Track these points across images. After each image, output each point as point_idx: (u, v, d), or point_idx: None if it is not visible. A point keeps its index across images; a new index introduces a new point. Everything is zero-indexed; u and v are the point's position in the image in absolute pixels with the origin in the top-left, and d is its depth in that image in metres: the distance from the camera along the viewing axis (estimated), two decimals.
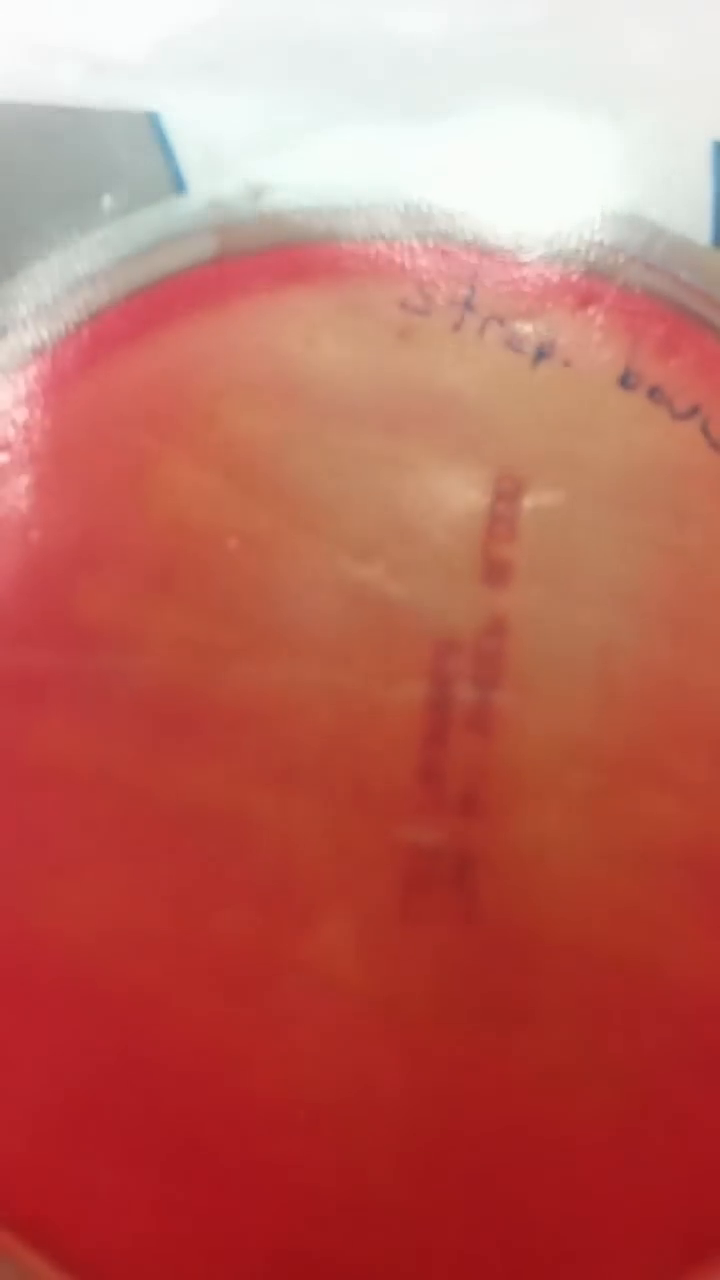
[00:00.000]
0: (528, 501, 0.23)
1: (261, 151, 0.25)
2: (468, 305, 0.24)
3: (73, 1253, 0.22)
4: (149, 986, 0.22)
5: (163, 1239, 0.22)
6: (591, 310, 0.24)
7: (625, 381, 0.24)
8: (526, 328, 0.24)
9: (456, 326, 0.24)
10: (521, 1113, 0.22)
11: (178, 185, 0.25)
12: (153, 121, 0.25)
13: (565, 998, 0.22)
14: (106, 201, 0.25)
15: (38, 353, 0.24)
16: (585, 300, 0.24)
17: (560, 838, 0.22)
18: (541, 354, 0.24)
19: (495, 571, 0.23)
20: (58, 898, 0.22)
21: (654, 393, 0.24)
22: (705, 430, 0.24)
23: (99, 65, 0.25)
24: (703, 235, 0.25)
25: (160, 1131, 0.22)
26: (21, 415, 0.24)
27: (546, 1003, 0.22)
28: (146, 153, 0.25)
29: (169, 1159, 0.22)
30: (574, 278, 0.24)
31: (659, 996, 0.22)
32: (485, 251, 0.24)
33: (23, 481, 0.24)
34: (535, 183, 0.25)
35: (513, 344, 0.24)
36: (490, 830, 0.22)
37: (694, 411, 0.24)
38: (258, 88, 0.25)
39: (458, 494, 0.23)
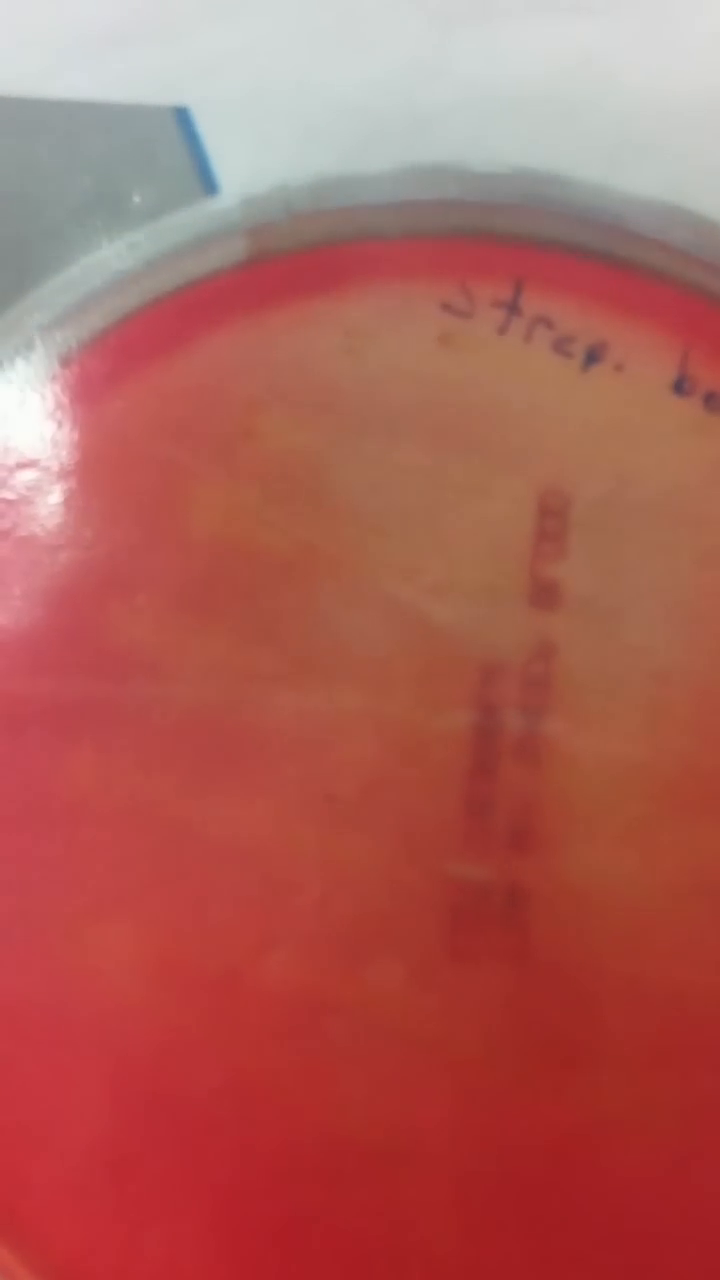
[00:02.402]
0: (576, 517, 0.23)
1: (294, 147, 0.25)
2: (513, 307, 0.23)
3: None
4: (190, 1029, 0.22)
5: None
6: (643, 311, 0.23)
7: (679, 387, 0.23)
8: (575, 330, 0.23)
9: (502, 330, 0.23)
10: (575, 1157, 0.22)
11: (208, 184, 0.25)
12: (181, 117, 0.25)
13: (620, 1037, 0.22)
14: (134, 202, 0.24)
15: (64, 363, 0.24)
16: (637, 300, 0.23)
17: (614, 870, 0.22)
18: (591, 358, 0.23)
19: (543, 592, 0.23)
20: (94, 937, 0.22)
21: (710, 399, 0.23)
22: None
23: (125, 59, 0.24)
24: None
25: (203, 1180, 0.22)
26: (48, 429, 0.23)
27: (601, 1042, 0.22)
28: (175, 150, 0.25)
29: (213, 1208, 0.22)
30: (624, 276, 0.23)
31: (715, 1032, 0.22)
32: (531, 247, 0.24)
33: (50, 499, 0.23)
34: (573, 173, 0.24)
35: (561, 348, 0.23)
36: (541, 864, 0.22)
37: None
38: (290, 81, 0.25)
39: (503, 510, 0.23)
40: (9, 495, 0.23)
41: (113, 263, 0.24)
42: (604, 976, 0.22)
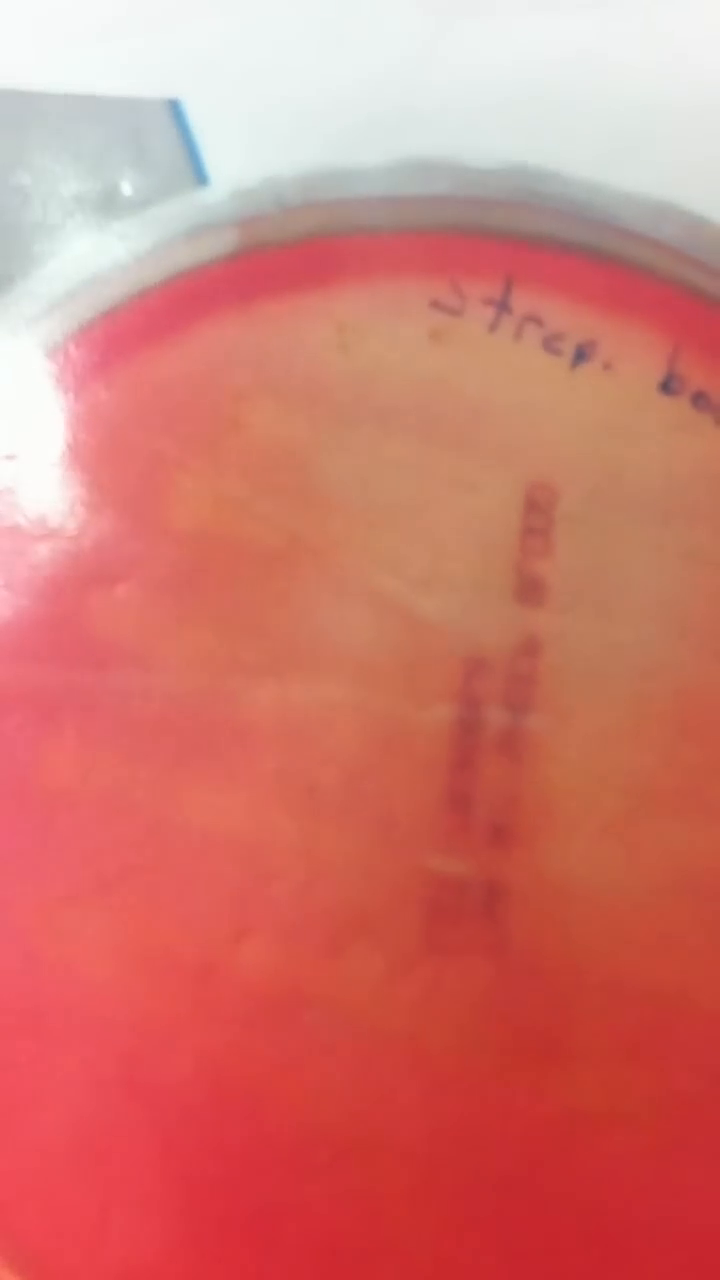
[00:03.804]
0: (563, 512, 0.23)
1: (286, 140, 0.25)
2: (503, 305, 0.23)
3: None
4: (164, 1018, 0.22)
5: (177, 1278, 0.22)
6: (634, 309, 0.23)
7: (667, 386, 0.23)
8: (565, 328, 0.23)
9: (492, 327, 0.23)
10: (549, 1152, 0.21)
11: (199, 176, 0.25)
12: (174, 109, 0.25)
13: (597, 1032, 0.22)
14: (125, 193, 0.25)
15: (51, 352, 0.24)
16: (627, 298, 0.24)
17: (593, 866, 0.22)
18: (580, 356, 0.23)
19: (529, 587, 0.23)
20: (70, 925, 0.22)
21: (698, 399, 0.23)
22: None
23: (117, 51, 0.25)
24: None
25: (173, 1169, 0.22)
26: (35, 419, 0.24)
27: (577, 1037, 0.22)
28: (167, 142, 0.25)
29: (183, 1198, 0.22)
30: (615, 273, 0.24)
31: (691, 1029, 0.22)
32: (522, 244, 0.24)
33: (35, 489, 0.23)
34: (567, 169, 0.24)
35: (550, 346, 0.23)
36: (521, 860, 0.22)
37: None
38: (283, 73, 0.25)
39: (491, 505, 0.23)
40: None
41: (103, 253, 0.24)
42: (581, 972, 0.22)
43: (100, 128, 0.25)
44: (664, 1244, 0.22)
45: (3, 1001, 0.22)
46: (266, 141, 0.25)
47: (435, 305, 0.24)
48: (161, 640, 0.23)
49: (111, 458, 0.23)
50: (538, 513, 0.23)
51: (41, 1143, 0.22)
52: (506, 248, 0.24)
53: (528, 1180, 0.22)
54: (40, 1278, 0.22)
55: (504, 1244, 0.21)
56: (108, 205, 0.25)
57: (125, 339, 0.24)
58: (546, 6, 0.24)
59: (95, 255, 0.24)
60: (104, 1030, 0.22)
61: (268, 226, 0.24)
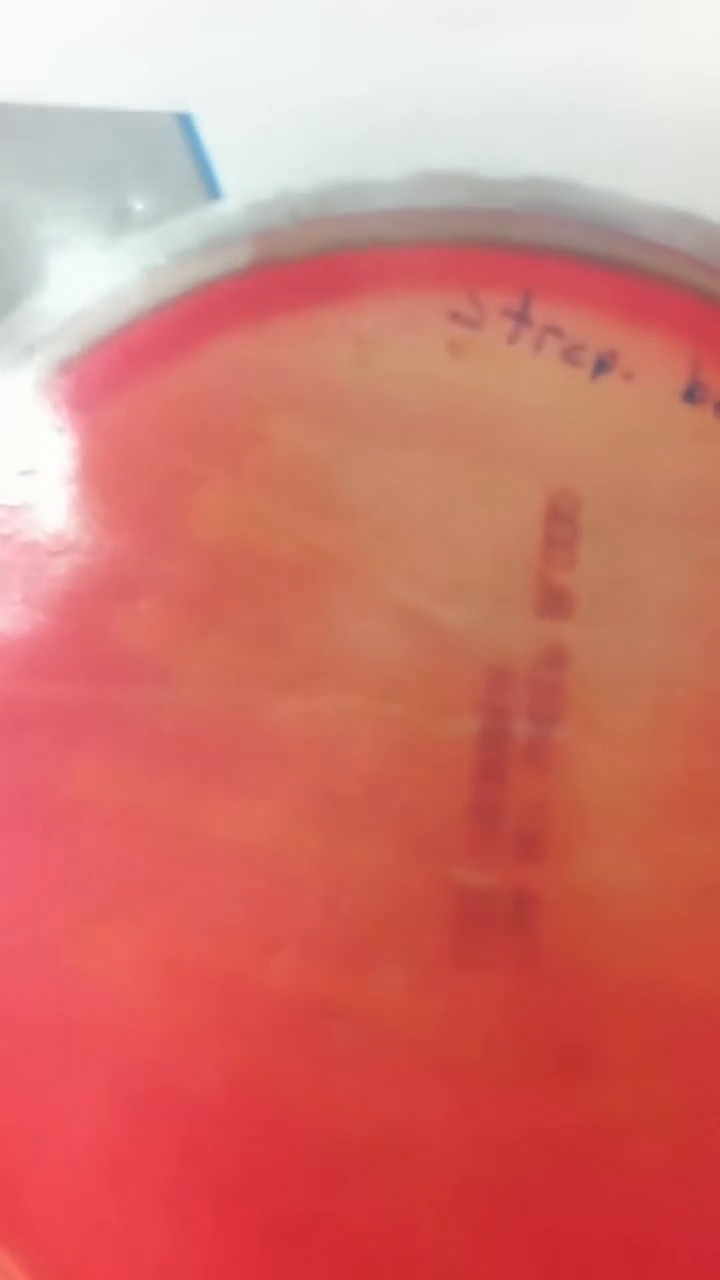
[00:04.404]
0: (586, 522, 0.23)
1: (299, 152, 0.25)
2: (522, 317, 0.24)
3: None
4: (192, 1032, 0.22)
5: None
6: (653, 318, 0.24)
7: (690, 395, 0.23)
8: (585, 339, 0.24)
9: (511, 339, 0.24)
10: (579, 1162, 0.21)
11: (211, 190, 0.25)
12: (185, 123, 0.25)
13: (626, 1041, 0.22)
14: (138, 208, 0.25)
15: (67, 368, 0.24)
16: (646, 308, 0.24)
17: (621, 876, 0.22)
18: (601, 367, 0.24)
19: (552, 598, 0.23)
20: (97, 939, 0.22)
21: None
22: None
23: (128, 66, 0.25)
24: None
25: (203, 1181, 0.21)
26: (51, 435, 0.24)
27: (606, 1047, 0.22)
28: (179, 156, 0.25)
29: (213, 1209, 0.21)
30: (634, 283, 0.24)
31: None
32: (540, 255, 0.24)
33: (55, 505, 0.23)
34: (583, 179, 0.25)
35: (570, 357, 0.24)
36: (549, 870, 0.22)
37: None
38: (294, 85, 0.25)
39: (512, 515, 0.23)
40: (14, 501, 0.23)
41: (116, 269, 0.24)
42: (610, 982, 0.22)
43: (112, 142, 0.25)
44: (696, 1254, 0.21)
45: (32, 1016, 0.22)
46: (279, 154, 0.25)
47: (454, 317, 0.24)
48: (185, 654, 0.23)
49: (130, 473, 0.24)
50: (560, 523, 0.23)
51: (72, 1155, 0.22)
52: (524, 259, 0.24)
53: (558, 1190, 0.21)
54: None
55: (534, 1255, 0.21)
56: (120, 220, 0.25)
57: (141, 355, 0.24)
58: (558, 14, 0.24)
59: (109, 271, 0.25)
60: (132, 1043, 0.22)
61: (282, 240, 0.24)
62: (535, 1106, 0.22)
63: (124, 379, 0.24)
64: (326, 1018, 0.22)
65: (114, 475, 0.24)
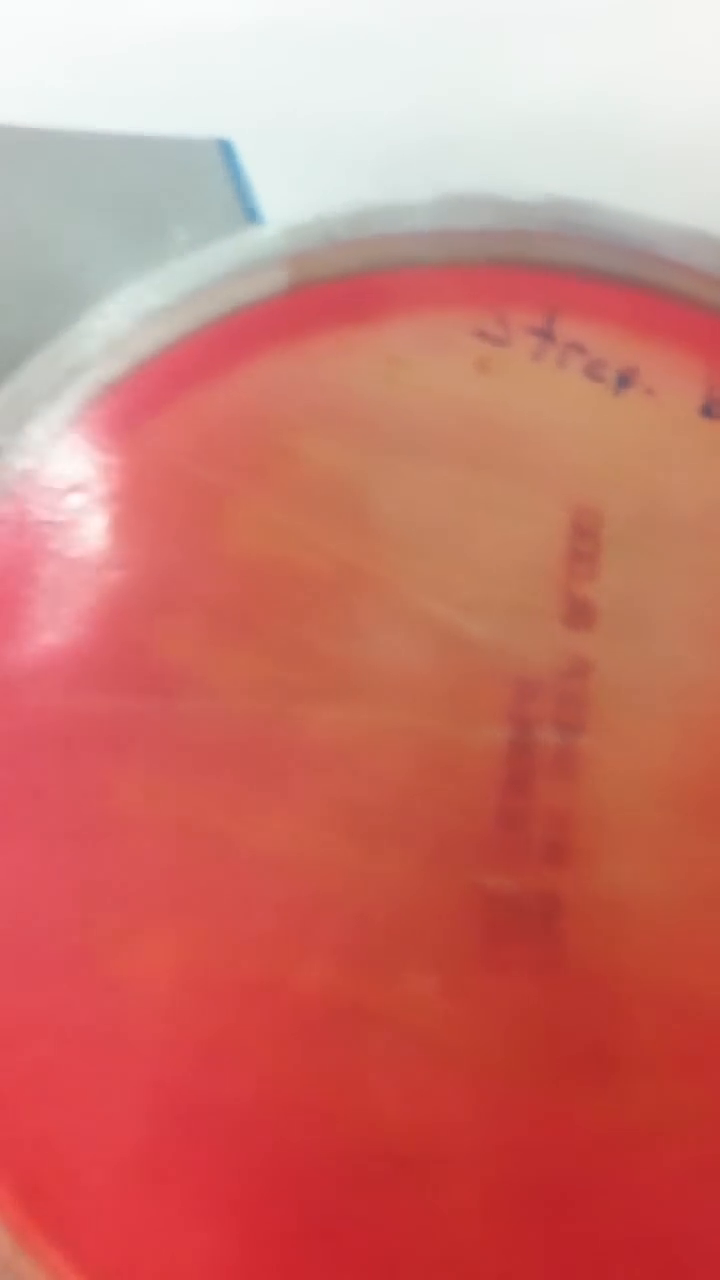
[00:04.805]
0: (608, 536, 0.23)
1: (332, 177, 0.25)
2: (547, 334, 0.24)
3: None
4: (228, 1037, 0.22)
5: None
6: (673, 336, 0.24)
7: (709, 411, 0.23)
8: (607, 356, 0.24)
9: (536, 356, 0.24)
10: (604, 1164, 0.22)
11: (250, 214, 0.25)
12: (224, 149, 0.26)
13: (650, 1045, 0.22)
14: (178, 231, 0.25)
15: (110, 389, 0.24)
16: (667, 325, 0.24)
17: (646, 882, 0.22)
18: (623, 383, 0.24)
19: (577, 610, 0.23)
20: (137, 946, 0.22)
21: None
22: None
23: (169, 93, 0.25)
24: None
25: (239, 1184, 0.22)
26: (94, 454, 0.24)
27: (631, 1050, 0.22)
28: (219, 180, 0.26)
29: (248, 1211, 0.22)
30: (654, 301, 0.24)
31: None
32: (564, 274, 0.24)
33: (97, 522, 0.24)
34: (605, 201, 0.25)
35: (593, 373, 0.24)
36: (576, 877, 0.22)
37: None
38: (329, 111, 0.25)
39: (538, 529, 0.23)
40: (58, 518, 0.24)
41: (158, 290, 0.25)
42: (635, 986, 0.22)
43: (153, 167, 0.26)
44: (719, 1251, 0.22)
45: (76, 1023, 0.22)
46: (314, 179, 0.25)
47: (481, 336, 0.24)
48: (219, 667, 0.23)
49: (170, 490, 0.24)
50: (583, 537, 0.23)
51: (115, 1159, 0.22)
52: (549, 278, 0.24)
53: (584, 1192, 0.22)
54: None
55: (560, 1255, 0.22)
56: (161, 243, 0.25)
57: (181, 374, 0.24)
58: (581, 45, 0.24)
59: (151, 293, 0.25)
60: (171, 1050, 0.22)
61: (317, 263, 0.25)
62: (561, 1109, 0.22)
63: (165, 398, 0.24)
64: (358, 1022, 0.22)
65: (154, 492, 0.24)
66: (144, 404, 0.24)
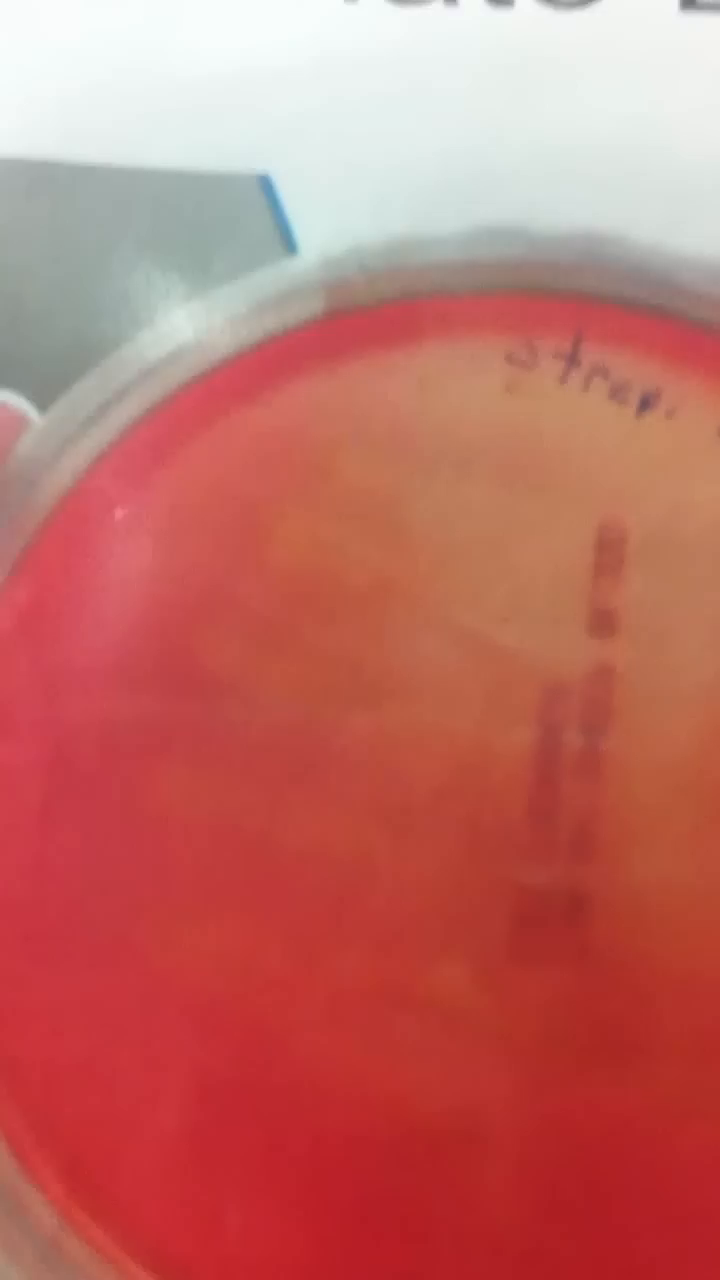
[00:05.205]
0: (631, 549, 0.24)
1: (369, 209, 0.26)
2: (572, 359, 0.24)
3: None
4: (270, 1024, 0.23)
5: (286, 1268, 0.22)
6: (693, 362, 0.24)
7: None
8: (630, 379, 0.24)
9: (562, 379, 0.24)
10: (630, 1144, 0.22)
11: (289, 245, 0.26)
12: (264, 183, 0.26)
13: (674, 1031, 0.22)
14: (220, 261, 0.26)
15: (157, 409, 0.25)
16: (687, 352, 0.25)
17: (668, 875, 0.23)
18: (645, 405, 0.24)
19: (601, 619, 0.24)
20: (183, 938, 0.23)
21: None
22: None
23: (211, 130, 0.26)
24: None
25: (282, 1163, 0.22)
26: (145, 468, 0.25)
27: (656, 1037, 0.22)
28: (259, 213, 0.26)
29: (290, 1190, 0.22)
30: (675, 329, 0.25)
31: None
32: (589, 303, 0.25)
33: (144, 535, 0.24)
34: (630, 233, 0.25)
35: (617, 395, 0.24)
36: (601, 870, 0.23)
37: None
38: (365, 148, 0.26)
39: (565, 543, 0.24)
40: (110, 530, 0.25)
41: (203, 317, 0.26)
42: (658, 974, 0.22)
43: (198, 201, 0.26)
44: None
45: (123, 1009, 0.23)
46: (351, 212, 0.26)
47: (510, 359, 0.25)
48: (261, 673, 0.24)
49: (214, 504, 0.24)
50: (607, 550, 0.24)
51: (160, 1140, 0.23)
52: (575, 306, 0.25)
53: (612, 1170, 0.22)
54: (158, 1266, 0.22)
55: (590, 1230, 0.22)
56: (205, 273, 0.26)
57: (224, 396, 0.25)
58: (610, 85, 0.25)
59: (195, 320, 0.26)
60: (215, 1036, 0.23)
61: (353, 291, 0.25)
62: (590, 1091, 0.22)
63: (209, 418, 0.25)
64: (396, 1009, 0.23)
65: (199, 507, 0.25)
66: (189, 423, 0.25)
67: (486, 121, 0.25)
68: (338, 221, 0.26)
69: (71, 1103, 0.23)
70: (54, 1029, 0.23)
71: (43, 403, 0.26)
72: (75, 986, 0.23)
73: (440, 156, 0.26)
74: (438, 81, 0.25)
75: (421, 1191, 0.22)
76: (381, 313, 0.25)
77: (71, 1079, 0.23)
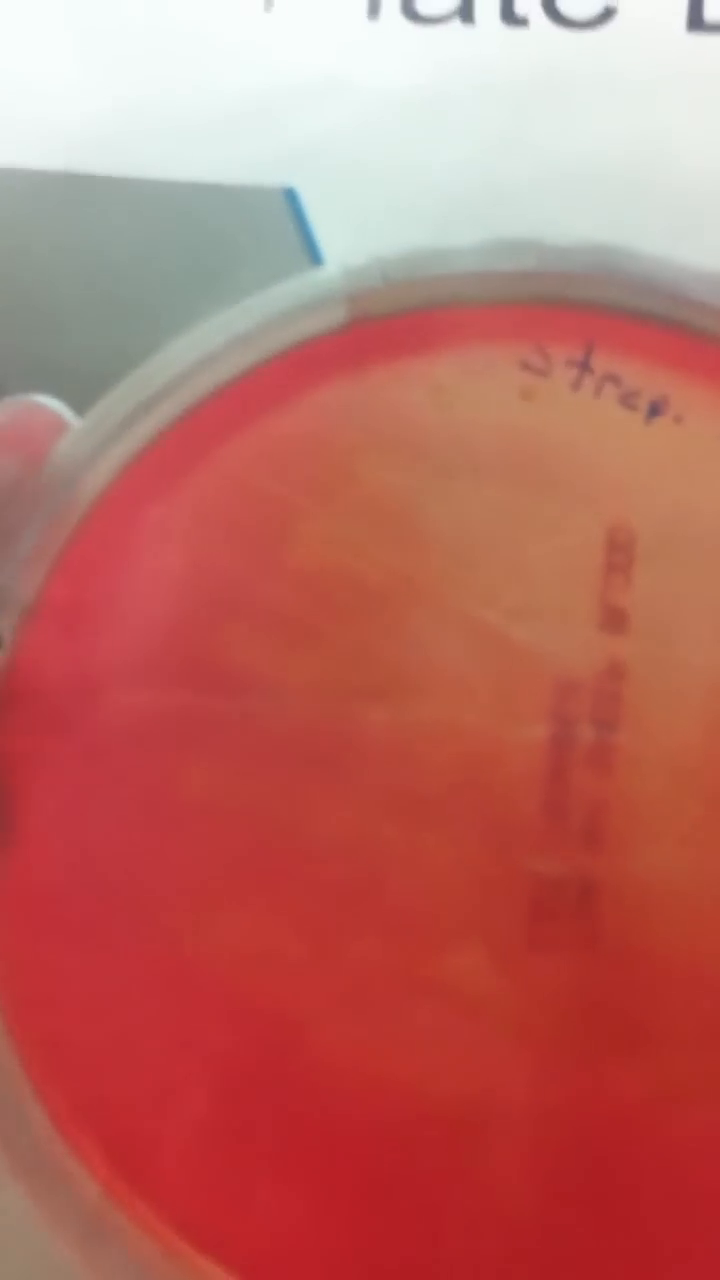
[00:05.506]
0: (641, 550, 0.24)
1: (389, 223, 0.26)
2: (585, 366, 0.25)
3: (233, 1254, 0.23)
4: (291, 1009, 0.23)
5: (310, 1242, 0.23)
6: (700, 370, 0.25)
7: None
8: (640, 386, 0.25)
9: (575, 386, 0.25)
10: (641, 1127, 0.23)
11: (313, 255, 0.26)
12: (289, 196, 0.27)
13: (681, 1018, 0.23)
14: (246, 271, 0.26)
15: (186, 415, 0.26)
16: (695, 361, 0.25)
17: (677, 868, 0.23)
18: (654, 411, 0.25)
19: (612, 617, 0.24)
20: (210, 925, 0.23)
21: None
22: None
23: (239, 144, 0.26)
24: None
25: (305, 1143, 0.23)
26: (173, 472, 0.25)
27: (663, 1023, 0.23)
28: (283, 226, 0.27)
29: (314, 1169, 0.23)
30: (684, 339, 0.25)
31: None
32: (601, 313, 0.25)
33: (175, 535, 0.25)
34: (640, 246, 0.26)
35: (627, 401, 0.25)
36: (611, 861, 0.23)
37: None
38: (386, 162, 0.26)
39: (576, 543, 0.24)
40: (142, 530, 0.25)
41: (230, 325, 0.26)
42: (667, 962, 0.23)
43: (225, 213, 0.27)
44: None
45: (155, 994, 0.23)
46: (372, 224, 0.26)
47: (524, 367, 0.25)
48: (283, 668, 0.24)
49: (239, 506, 0.25)
50: (618, 550, 0.24)
51: (191, 1120, 0.23)
52: (587, 316, 0.25)
53: (621, 1152, 0.23)
54: (195, 1238, 0.23)
55: (600, 1211, 0.23)
56: (232, 283, 0.26)
57: (250, 402, 0.26)
58: (621, 104, 0.25)
59: (222, 328, 0.26)
60: (241, 1020, 0.23)
61: (374, 300, 0.26)
62: (600, 1074, 0.23)
63: (235, 424, 0.25)
64: (414, 996, 0.23)
65: (226, 508, 0.25)
66: (217, 428, 0.25)
67: (501, 136, 0.26)
68: (359, 233, 0.26)
69: (110, 1082, 0.24)
70: (92, 1012, 0.24)
71: (80, 407, 0.26)
72: (111, 972, 0.24)
73: (457, 170, 0.26)
74: (455, 97, 0.26)
75: (437, 1171, 0.23)
76: (401, 321, 0.25)
77: (109, 1060, 0.24)
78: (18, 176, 0.27)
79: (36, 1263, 0.23)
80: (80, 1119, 0.23)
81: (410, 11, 0.27)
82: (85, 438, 0.26)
